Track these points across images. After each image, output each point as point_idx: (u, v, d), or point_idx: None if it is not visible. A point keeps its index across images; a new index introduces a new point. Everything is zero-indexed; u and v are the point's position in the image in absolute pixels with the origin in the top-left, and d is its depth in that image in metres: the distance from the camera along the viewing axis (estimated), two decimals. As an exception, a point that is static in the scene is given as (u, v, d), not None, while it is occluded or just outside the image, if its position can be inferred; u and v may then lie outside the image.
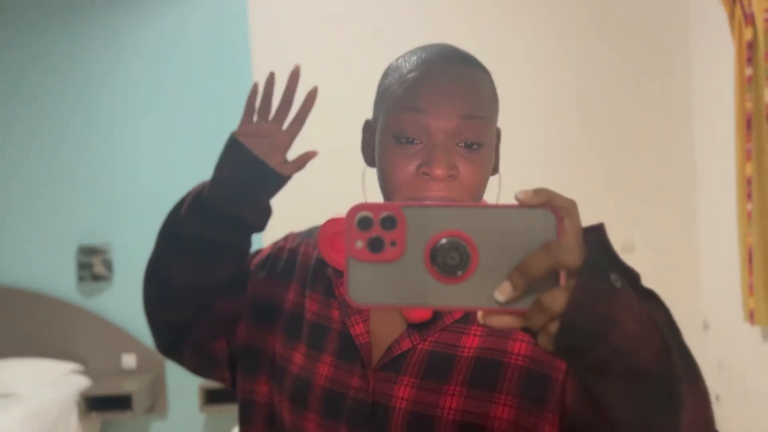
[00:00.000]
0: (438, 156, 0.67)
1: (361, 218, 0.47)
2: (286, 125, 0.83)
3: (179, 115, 3.51)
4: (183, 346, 0.89)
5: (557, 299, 0.44)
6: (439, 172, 0.66)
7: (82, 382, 3.31)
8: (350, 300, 0.48)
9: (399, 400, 0.69)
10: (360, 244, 0.47)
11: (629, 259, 3.26)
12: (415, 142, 0.69)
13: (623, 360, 0.46)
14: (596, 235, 0.50)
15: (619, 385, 0.47)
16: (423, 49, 0.74)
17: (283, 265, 0.86)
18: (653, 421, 0.48)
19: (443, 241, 0.46)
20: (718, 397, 3.40)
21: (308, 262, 0.84)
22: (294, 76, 0.84)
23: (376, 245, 0.47)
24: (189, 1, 3.50)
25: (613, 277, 0.46)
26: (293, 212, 3.57)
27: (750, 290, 2.83)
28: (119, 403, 3.19)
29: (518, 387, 0.67)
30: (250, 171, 0.78)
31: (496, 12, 3.52)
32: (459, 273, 0.46)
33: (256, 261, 0.89)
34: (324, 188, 3.02)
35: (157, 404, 3.47)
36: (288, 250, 0.87)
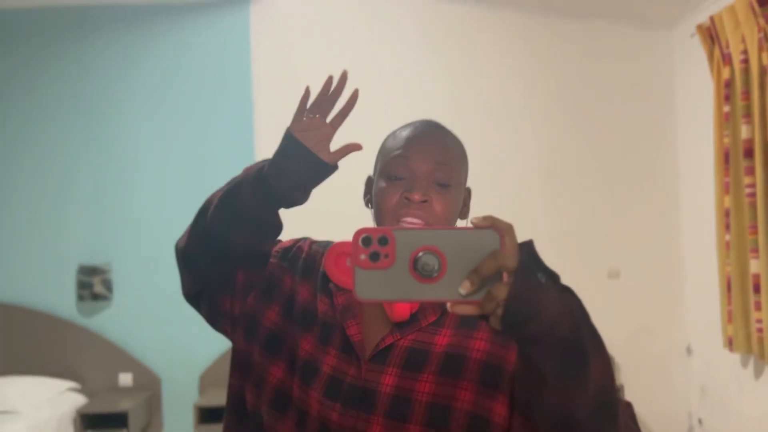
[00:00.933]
0: (417, 186, 0.91)
1: (364, 238, 0.66)
2: (329, 120, 1.02)
3: (181, 138, 3.62)
4: (203, 298, 1.05)
5: (501, 291, 0.63)
6: (417, 196, 0.90)
7: (78, 400, 3.37)
8: (357, 296, 0.66)
9: (384, 386, 0.88)
10: (363, 257, 0.66)
11: (615, 285, 3.39)
12: (402, 178, 0.93)
13: (548, 332, 0.65)
14: (527, 247, 0.67)
15: (546, 350, 0.67)
16: (413, 122, 1.00)
17: (302, 264, 1.03)
18: (569, 375, 0.68)
19: (422, 253, 0.65)
20: (700, 421, 3.49)
21: (300, 254, 1.05)
22: (343, 79, 1.02)
23: (374, 257, 0.65)
24: (193, 28, 3.63)
25: (539, 275, 0.65)
26: (291, 221, 3.66)
27: (729, 318, 2.94)
28: (115, 420, 3.24)
29: (477, 375, 0.86)
30: (305, 163, 0.96)
31: (488, 56, 3.66)
32: (433, 276, 0.65)
33: (277, 247, 1.06)
34: (323, 196, 3.13)
35: (152, 422, 3.53)
36: (307, 253, 1.04)
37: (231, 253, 1.00)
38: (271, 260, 1.03)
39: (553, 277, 0.68)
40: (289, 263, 1.03)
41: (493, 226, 0.65)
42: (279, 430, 0.93)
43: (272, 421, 0.94)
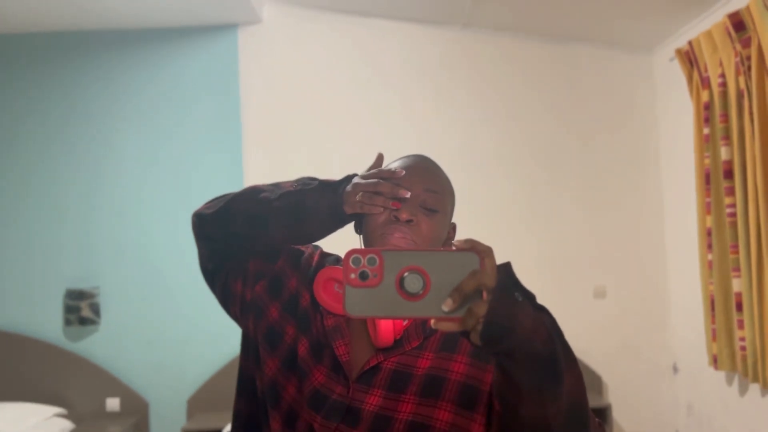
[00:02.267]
0: (405, 206, 0.96)
1: (354, 258, 0.71)
2: None
3: (169, 162, 3.63)
4: (218, 276, 1.10)
5: (481, 308, 0.68)
6: (404, 215, 0.95)
7: (66, 426, 3.33)
8: (347, 313, 0.70)
9: (369, 405, 0.93)
10: (353, 276, 0.70)
11: (601, 304, 3.43)
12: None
13: (523, 347, 0.69)
14: (505, 268, 0.71)
15: (522, 363, 0.71)
16: (406, 156, 1.06)
17: (312, 272, 1.07)
18: (544, 387, 0.72)
19: (407, 273, 0.70)
20: (687, 440, 3.51)
21: (311, 262, 1.09)
22: (380, 160, 1.07)
23: (363, 276, 0.70)
24: (181, 53, 3.66)
25: (516, 294, 0.70)
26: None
27: (713, 336, 2.97)
28: (102, 446, 3.22)
29: (456, 396, 0.91)
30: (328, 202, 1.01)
31: (463, 70, 3.73)
32: (418, 294, 0.69)
33: (290, 248, 1.11)
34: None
35: (139, 448, 3.50)
36: (317, 263, 1.09)
37: (257, 246, 1.05)
38: (283, 257, 1.08)
39: (529, 296, 0.73)
40: (299, 267, 1.08)
41: (474, 248, 0.70)
42: (271, 422, 0.99)
43: (268, 411, 1.00)
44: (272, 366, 1.01)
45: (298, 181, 1.04)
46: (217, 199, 1.08)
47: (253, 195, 1.03)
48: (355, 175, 1.02)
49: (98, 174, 3.62)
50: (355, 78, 3.69)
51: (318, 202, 0.98)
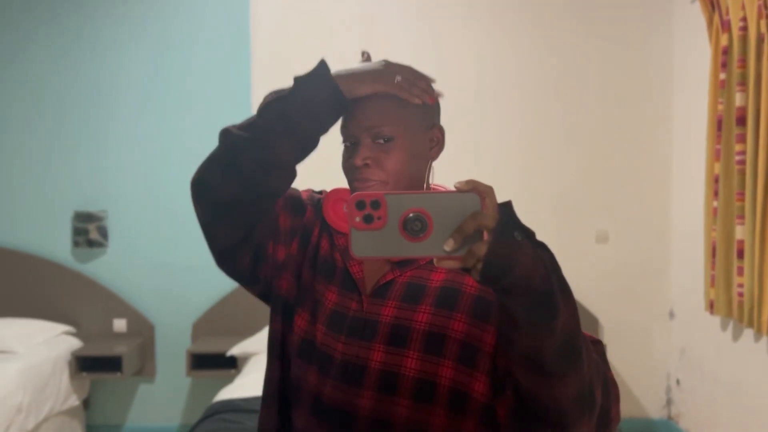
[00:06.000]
0: (356, 151, 0.97)
1: (358, 202, 0.72)
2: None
3: (178, 84, 3.61)
4: (244, 246, 1.05)
5: (481, 248, 0.70)
6: (357, 161, 0.96)
7: (73, 344, 3.44)
8: (353, 254, 0.73)
9: (384, 317, 0.96)
10: (358, 219, 0.72)
11: (602, 248, 3.45)
12: (349, 143, 1.00)
13: (522, 284, 0.72)
14: (505, 208, 0.74)
15: (519, 300, 0.73)
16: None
17: (315, 210, 1.10)
18: (539, 322, 0.75)
19: (410, 215, 0.72)
20: (678, 381, 3.61)
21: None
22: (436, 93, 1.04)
23: (368, 219, 0.72)
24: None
25: (515, 233, 0.72)
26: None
27: (711, 282, 3.01)
28: (109, 364, 3.32)
29: (470, 308, 0.94)
30: (320, 86, 0.99)
31: (482, 6, 3.64)
32: (421, 235, 0.72)
33: (308, 194, 1.13)
34: (320, 171, 3.17)
35: (145, 367, 3.61)
36: (312, 202, 1.11)
37: (273, 164, 0.98)
38: (309, 207, 1.09)
39: (528, 234, 0.75)
40: (317, 212, 1.09)
41: (475, 189, 0.72)
42: (307, 376, 1.00)
43: (299, 369, 1.01)
44: (301, 323, 1.03)
45: (271, 93, 1.00)
46: (220, 143, 1.01)
47: (267, 106, 1.00)
48: (323, 62, 0.98)
49: (107, 96, 3.60)
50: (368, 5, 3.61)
51: (317, 94, 0.96)
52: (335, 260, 1.04)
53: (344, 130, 1.00)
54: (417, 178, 1.00)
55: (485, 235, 0.71)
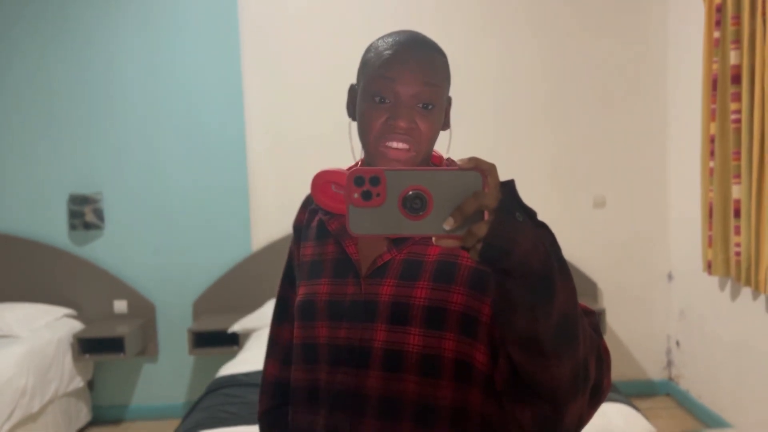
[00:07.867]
0: (402, 112, 0.91)
1: (357, 178, 0.70)
2: None
3: (169, 66, 3.57)
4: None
5: (481, 228, 0.68)
6: (402, 124, 0.90)
7: (75, 326, 3.45)
8: (351, 232, 0.70)
9: (383, 296, 0.94)
10: (356, 195, 0.70)
11: (600, 212, 3.46)
12: (386, 101, 0.92)
13: (521, 266, 0.70)
14: (508, 187, 0.73)
15: (519, 281, 0.72)
16: (397, 33, 0.97)
17: (298, 220, 1.11)
18: (537, 304, 0.74)
19: (410, 192, 0.69)
20: (678, 343, 3.63)
21: (299, 225, 1.10)
22: None
23: (366, 196, 0.70)
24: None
25: (517, 214, 0.70)
26: (293, 185, 3.67)
27: (709, 243, 3.01)
28: (112, 345, 3.34)
29: (468, 279, 0.93)
30: None
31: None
32: (420, 213, 0.69)
33: (296, 224, 1.13)
34: (319, 165, 3.18)
35: (148, 347, 3.63)
36: (297, 224, 1.11)
37: None
38: (291, 246, 1.10)
39: (530, 213, 0.74)
40: (296, 241, 1.09)
41: (477, 167, 0.69)
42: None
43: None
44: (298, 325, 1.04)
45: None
46: None
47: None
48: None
49: (99, 77, 3.57)
50: (351, 19, 3.52)
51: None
52: (322, 254, 1.02)
53: (378, 85, 0.92)
54: (429, 155, 0.96)
55: (486, 215, 0.69)
